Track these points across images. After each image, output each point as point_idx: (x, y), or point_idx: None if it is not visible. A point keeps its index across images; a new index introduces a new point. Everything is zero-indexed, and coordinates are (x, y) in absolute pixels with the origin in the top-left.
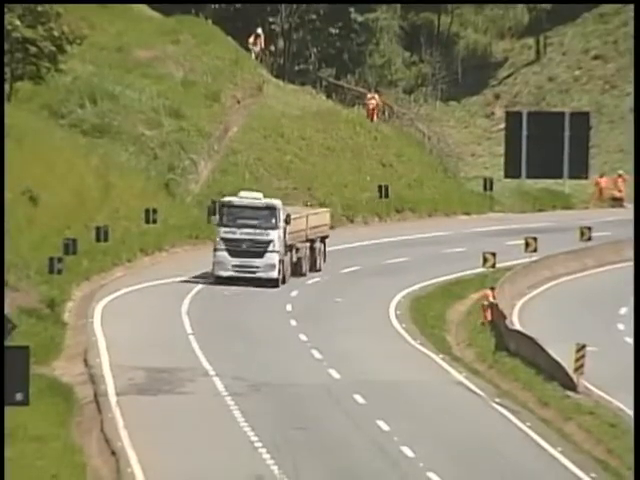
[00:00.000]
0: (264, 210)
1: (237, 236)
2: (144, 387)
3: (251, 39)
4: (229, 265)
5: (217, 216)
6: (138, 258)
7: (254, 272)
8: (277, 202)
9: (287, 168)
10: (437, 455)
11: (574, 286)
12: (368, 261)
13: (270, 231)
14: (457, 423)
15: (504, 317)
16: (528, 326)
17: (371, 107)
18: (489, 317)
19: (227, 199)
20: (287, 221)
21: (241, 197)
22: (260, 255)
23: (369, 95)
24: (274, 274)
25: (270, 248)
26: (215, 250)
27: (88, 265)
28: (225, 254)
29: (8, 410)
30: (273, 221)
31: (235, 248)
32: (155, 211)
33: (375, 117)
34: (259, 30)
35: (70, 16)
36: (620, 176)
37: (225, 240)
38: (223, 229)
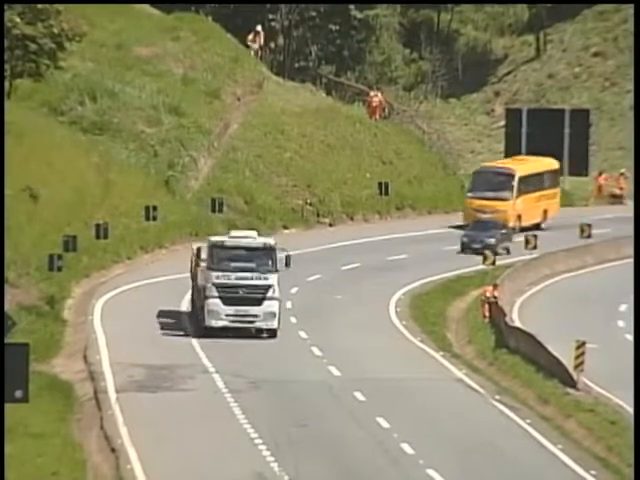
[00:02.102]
0: (260, 251)
1: (231, 281)
2: (144, 384)
3: (250, 36)
4: (223, 314)
5: (206, 259)
6: (138, 255)
7: (252, 322)
8: (273, 242)
9: (287, 165)
10: (437, 452)
11: (574, 283)
12: (368, 258)
13: (268, 275)
14: (457, 420)
15: (504, 314)
16: (528, 323)
17: (374, 105)
18: (486, 313)
19: (218, 239)
20: (287, 263)
21: (233, 237)
22: (258, 302)
23: (372, 93)
24: (274, 324)
25: (269, 294)
26: (205, 297)
27: (88, 262)
28: (218, 302)
29: (8, 407)
30: (270, 263)
31: (229, 295)
32: (155, 208)
33: (377, 115)
34: (259, 27)
35: (70, 13)
36: (622, 174)
37: (218, 286)
38: (215, 274)
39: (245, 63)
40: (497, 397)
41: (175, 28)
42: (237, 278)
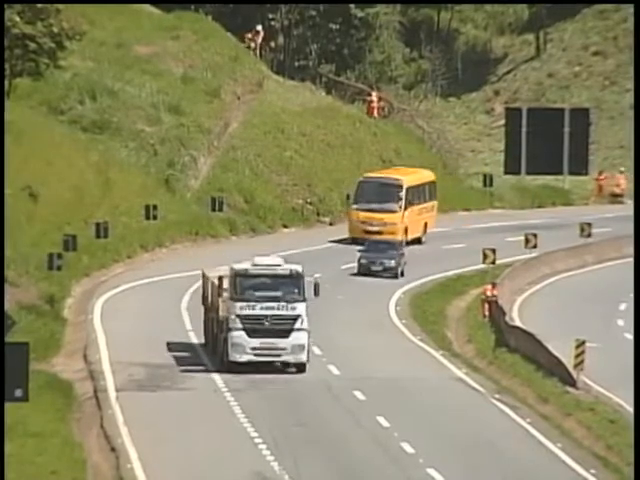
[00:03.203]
0: (287, 279)
1: (257, 312)
2: (144, 383)
3: (250, 35)
4: (247, 348)
5: (228, 288)
6: (138, 254)
7: (279, 355)
8: (300, 268)
9: (287, 164)
10: (437, 451)
11: (574, 282)
12: None
13: (296, 304)
14: (457, 419)
15: (504, 313)
16: (528, 322)
17: (373, 104)
18: (486, 312)
19: (241, 267)
20: (316, 292)
21: (258, 264)
22: (285, 334)
23: (373, 93)
24: (303, 357)
25: (297, 325)
26: (229, 330)
27: (88, 261)
28: (242, 334)
29: (8, 406)
30: (298, 291)
31: (255, 326)
32: (155, 207)
33: (377, 114)
34: (259, 27)
35: (69, 12)
36: (621, 173)
37: (242, 317)
38: (239, 304)
39: (245, 62)
40: (497, 396)
41: (175, 27)
42: (262, 308)
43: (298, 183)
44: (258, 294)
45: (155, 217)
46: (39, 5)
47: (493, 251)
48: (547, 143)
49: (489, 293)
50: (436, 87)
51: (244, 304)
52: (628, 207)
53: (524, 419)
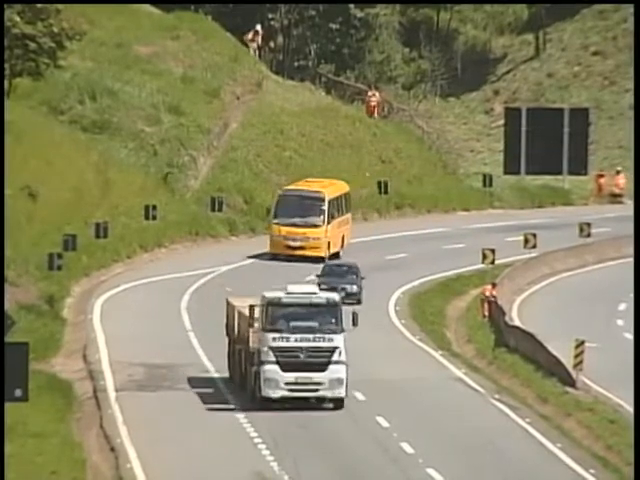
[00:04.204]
0: (323, 308)
1: (291, 344)
2: (143, 383)
3: (250, 35)
4: (282, 383)
5: (260, 318)
6: (137, 254)
7: (315, 390)
8: (337, 297)
9: (286, 164)
10: (437, 451)
11: (573, 282)
12: (367, 257)
13: (333, 335)
14: (456, 419)
15: (503, 313)
16: (527, 322)
17: (372, 104)
18: (486, 312)
19: (273, 296)
20: (355, 322)
21: (292, 293)
22: (322, 368)
23: (370, 92)
24: (341, 392)
25: (335, 358)
26: (261, 363)
27: (87, 261)
28: (276, 368)
29: (8, 406)
30: (335, 322)
31: (289, 360)
32: (155, 207)
33: (376, 114)
34: (258, 27)
35: (69, 12)
36: (619, 172)
37: (275, 350)
38: (271, 335)
39: (244, 62)
40: (496, 396)
41: (175, 27)
42: (297, 340)
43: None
44: (292, 325)
45: (155, 217)
46: (39, 5)
47: (492, 251)
48: (546, 143)
49: (488, 293)
50: (435, 87)
51: (277, 335)
52: (628, 207)
53: (523, 419)
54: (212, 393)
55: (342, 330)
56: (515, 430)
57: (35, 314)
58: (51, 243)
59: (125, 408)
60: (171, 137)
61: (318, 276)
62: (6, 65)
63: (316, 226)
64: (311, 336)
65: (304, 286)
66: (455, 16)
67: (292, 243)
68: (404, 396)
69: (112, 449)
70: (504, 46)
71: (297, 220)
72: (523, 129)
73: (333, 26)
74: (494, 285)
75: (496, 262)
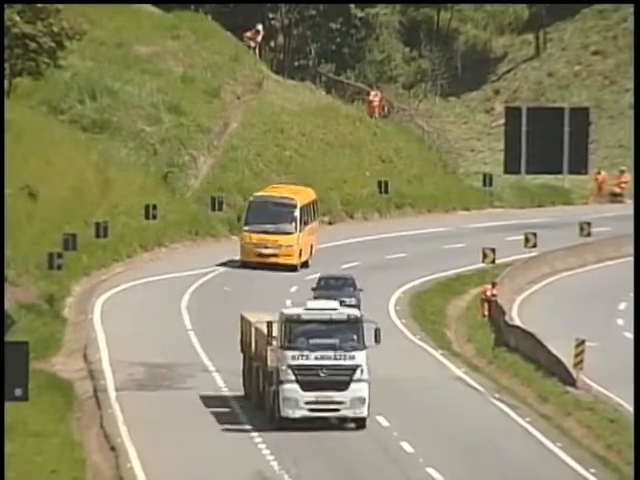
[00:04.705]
0: (344, 324)
1: (311, 362)
2: (144, 382)
3: (249, 34)
4: (302, 402)
5: (278, 336)
6: (138, 254)
7: (336, 410)
8: (359, 313)
9: (287, 164)
10: (436, 450)
11: (574, 281)
12: (368, 257)
13: (355, 353)
14: (456, 419)
15: (503, 313)
16: (528, 322)
17: (373, 104)
18: (486, 311)
19: (292, 312)
20: (377, 338)
21: (311, 309)
22: (344, 386)
23: (372, 92)
24: (363, 411)
25: (357, 376)
26: (280, 382)
27: (87, 261)
28: (296, 387)
29: (8, 406)
30: (356, 338)
31: (309, 378)
32: (155, 207)
33: (377, 114)
34: (259, 26)
35: (69, 12)
36: (622, 172)
37: (294, 368)
38: (290, 353)
39: (245, 62)
40: (496, 395)
41: (175, 27)
42: (317, 358)
43: (298, 182)
44: (312, 342)
45: (155, 217)
46: (39, 5)
47: (493, 250)
48: (547, 142)
49: (489, 293)
50: (436, 86)
51: (296, 353)
52: (628, 206)
53: (524, 418)
54: (228, 412)
55: (364, 347)
56: (515, 429)
57: (35, 313)
58: (51, 242)
59: (125, 407)
60: (171, 136)
61: (314, 289)
62: (6, 65)
63: (288, 233)
64: (332, 354)
65: (325, 302)
66: (455, 15)
67: (264, 251)
68: (404, 395)
69: (112, 448)
70: (504, 45)
71: (269, 227)
72: (523, 128)
73: (333, 26)
74: (494, 284)
75: (496, 261)
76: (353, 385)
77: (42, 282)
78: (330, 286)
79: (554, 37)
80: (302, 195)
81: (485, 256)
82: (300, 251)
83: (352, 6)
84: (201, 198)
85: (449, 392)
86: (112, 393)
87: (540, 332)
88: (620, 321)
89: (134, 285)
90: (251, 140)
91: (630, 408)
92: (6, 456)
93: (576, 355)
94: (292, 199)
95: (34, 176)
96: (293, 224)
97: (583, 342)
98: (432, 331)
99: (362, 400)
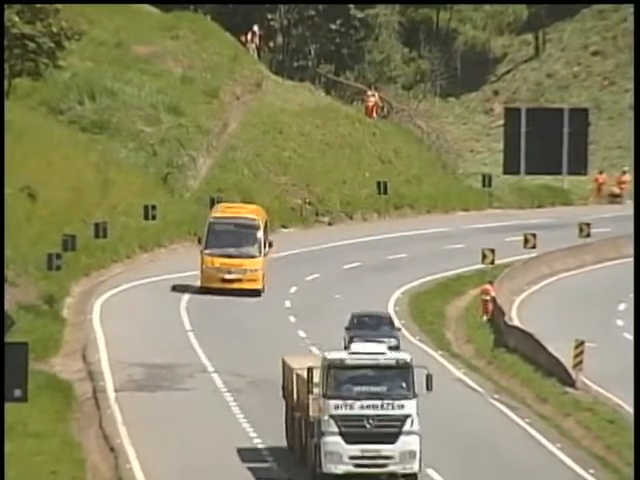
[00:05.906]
0: (393, 370)
1: (356, 412)
2: (143, 383)
3: (248, 36)
4: (345, 457)
5: (320, 383)
6: (137, 254)
7: (384, 465)
8: (409, 357)
9: (286, 164)
10: (436, 451)
11: (573, 282)
12: (367, 257)
13: (405, 402)
14: (456, 419)
15: (503, 313)
16: (527, 322)
17: (370, 104)
18: (485, 312)
19: (336, 357)
20: (429, 386)
21: (356, 353)
22: (392, 439)
23: (369, 92)
24: (414, 466)
25: (407, 427)
26: (321, 434)
27: (87, 261)
28: (338, 440)
29: (8, 406)
30: (406, 386)
31: (354, 430)
32: (154, 207)
33: (374, 114)
34: (255, 27)
35: (69, 12)
36: (624, 173)
37: (338, 419)
38: (333, 402)
39: (244, 62)
40: (496, 396)
41: (174, 27)
42: (363, 407)
43: (297, 183)
44: (357, 390)
45: (154, 217)
46: (38, 5)
47: (492, 251)
48: (546, 143)
49: (493, 293)
50: (435, 87)
51: (340, 402)
52: (627, 207)
53: (523, 419)
54: (267, 468)
55: (414, 395)
56: (514, 430)
57: (35, 314)
58: (50, 243)
59: (124, 408)
60: (170, 137)
61: (347, 329)
62: (6, 65)
63: (252, 257)
64: (379, 402)
65: (371, 345)
66: (455, 16)
67: (227, 276)
68: None
69: (111, 449)
70: (504, 46)
71: (232, 250)
72: (523, 129)
73: (333, 26)
74: (491, 284)
75: (496, 262)
76: (402, 437)
77: (41, 283)
78: (366, 325)
79: (553, 37)
80: (260, 215)
81: (484, 257)
82: (263, 275)
83: (351, 7)
84: (200, 199)
85: (448, 393)
86: (111, 394)
87: (539, 333)
88: (620, 322)
89: (133, 286)
90: (250, 141)
91: (629, 409)
92: (6, 456)
93: (575, 356)
94: (254, 220)
95: (34, 176)
96: (256, 246)
97: (582, 343)
98: (431, 332)
99: (413, 454)
